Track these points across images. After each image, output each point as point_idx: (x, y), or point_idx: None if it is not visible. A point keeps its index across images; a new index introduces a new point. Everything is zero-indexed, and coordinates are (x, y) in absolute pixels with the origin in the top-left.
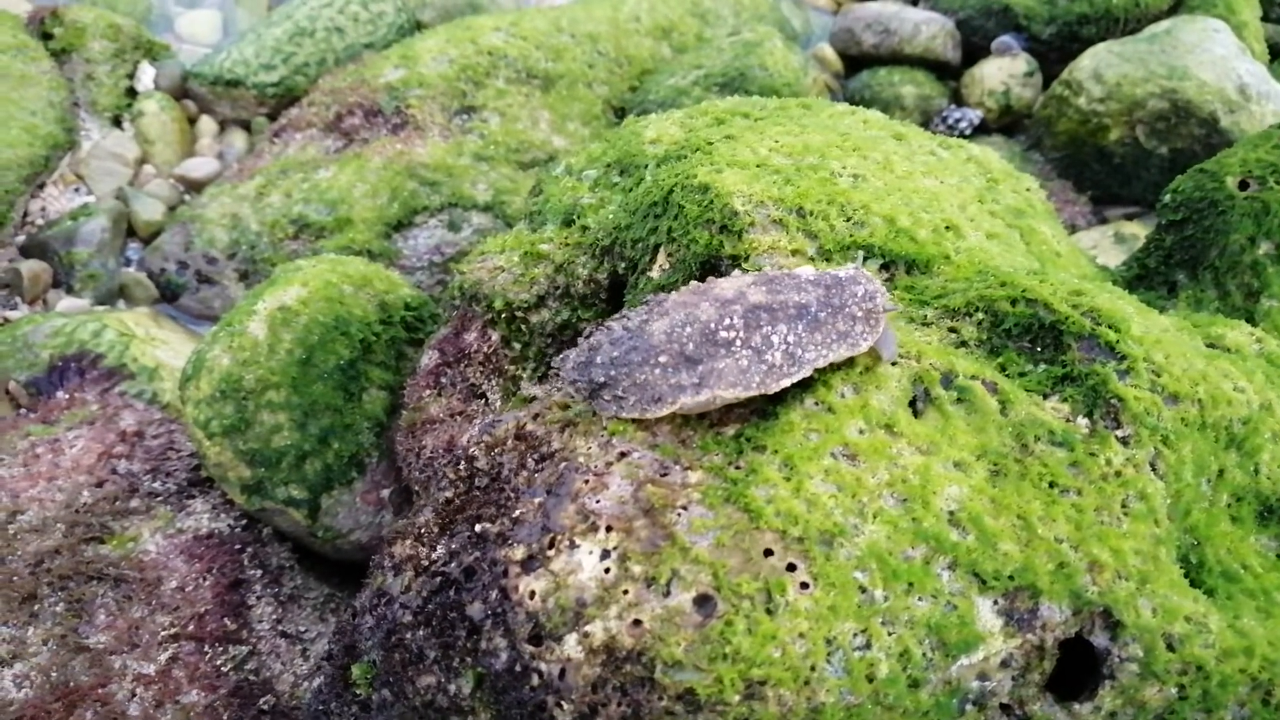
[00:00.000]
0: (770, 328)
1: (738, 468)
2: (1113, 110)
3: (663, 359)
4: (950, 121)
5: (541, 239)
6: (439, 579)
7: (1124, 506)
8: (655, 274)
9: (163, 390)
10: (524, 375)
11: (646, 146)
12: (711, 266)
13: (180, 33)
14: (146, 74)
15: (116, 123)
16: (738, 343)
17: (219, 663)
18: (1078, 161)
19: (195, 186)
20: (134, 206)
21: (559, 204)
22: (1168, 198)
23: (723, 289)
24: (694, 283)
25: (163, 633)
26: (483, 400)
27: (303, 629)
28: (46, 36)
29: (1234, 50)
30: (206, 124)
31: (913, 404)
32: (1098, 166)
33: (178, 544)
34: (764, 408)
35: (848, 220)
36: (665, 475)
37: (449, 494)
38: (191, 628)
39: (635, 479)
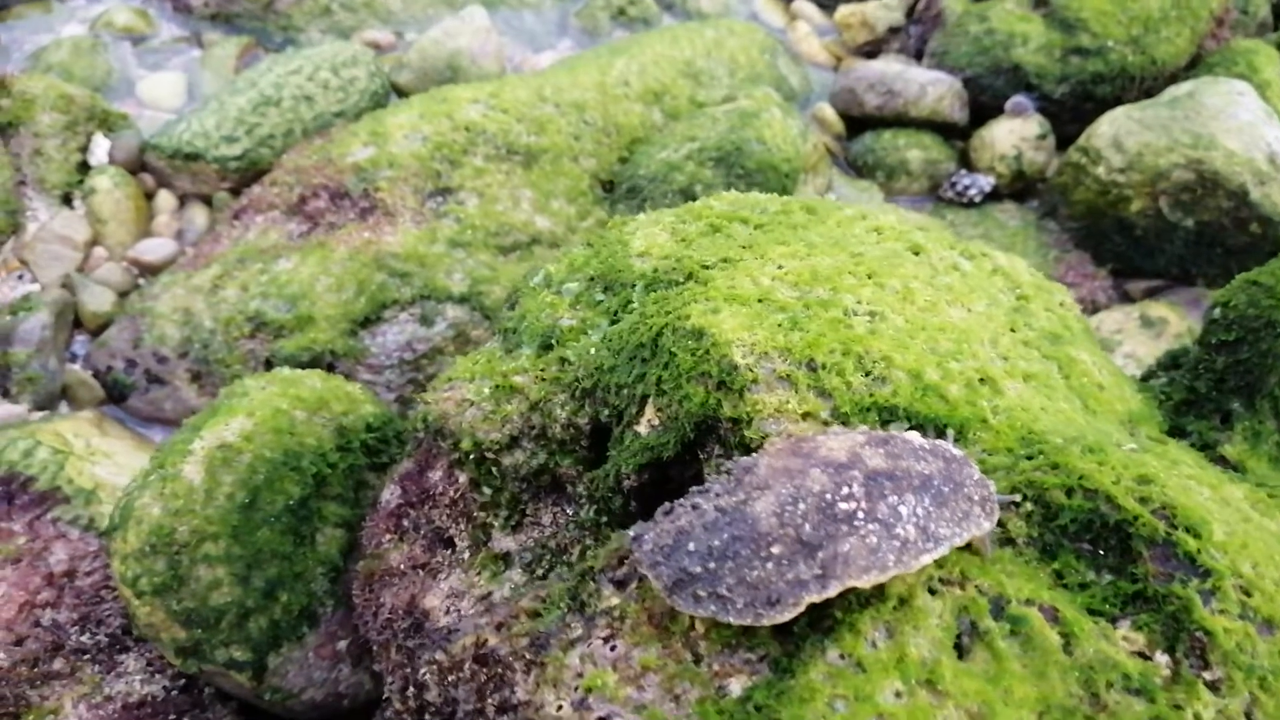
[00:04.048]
0: (896, 497)
1: None
2: (1134, 181)
3: (776, 550)
4: (959, 188)
5: (515, 369)
6: None
7: None
8: (644, 429)
9: (101, 515)
10: (495, 524)
11: (634, 260)
12: (709, 428)
13: (142, 97)
14: (100, 146)
15: (66, 201)
16: (860, 515)
17: None
18: (1096, 232)
19: (150, 270)
20: (81, 296)
21: (536, 324)
22: (1217, 313)
23: (831, 450)
24: (783, 441)
25: None
26: (449, 550)
27: None
28: None
29: (1261, 115)
30: (165, 199)
31: (958, 640)
32: (1118, 238)
33: (104, 716)
34: (777, 659)
35: (866, 375)
36: None
37: None
38: None
39: None
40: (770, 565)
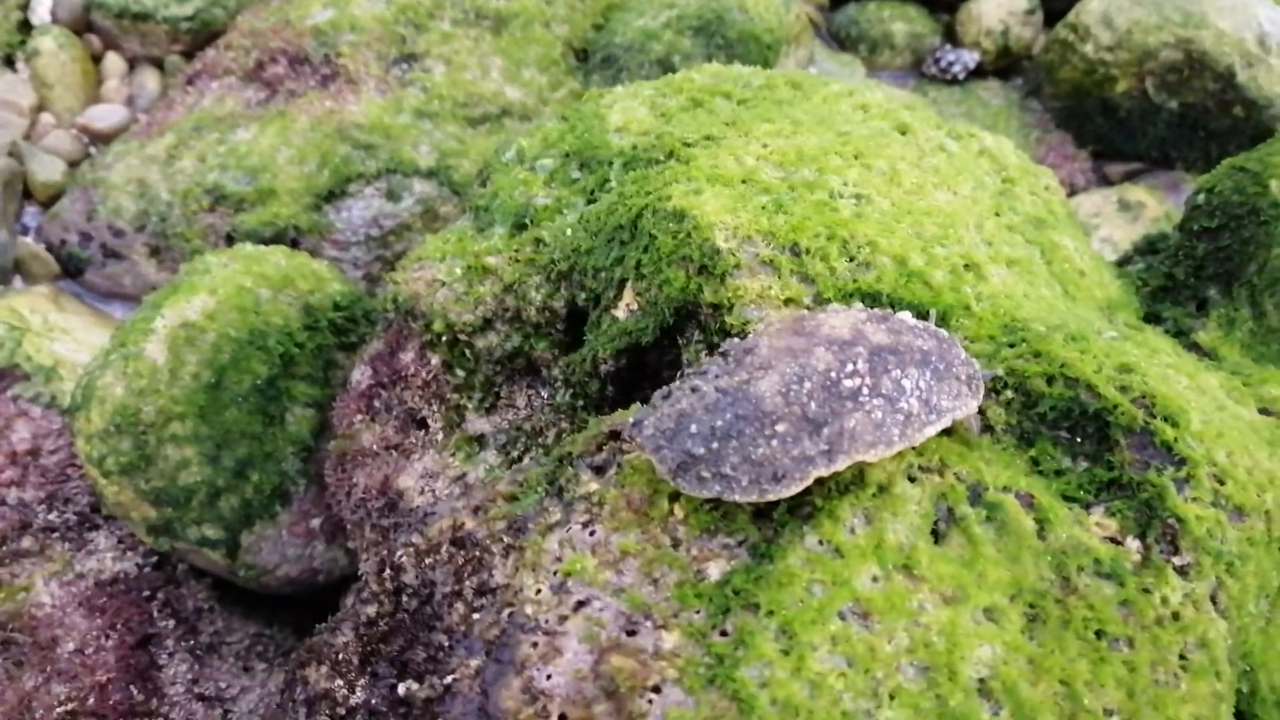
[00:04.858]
0: (899, 371)
1: (724, 633)
2: (1122, 60)
3: (780, 427)
4: (944, 64)
5: (488, 249)
6: None
7: (1182, 659)
8: (622, 314)
9: (62, 392)
10: (469, 405)
11: (611, 136)
12: (689, 314)
13: None
14: (42, 4)
15: (9, 63)
16: (865, 391)
17: None
18: (1079, 113)
19: (101, 138)
20: (30, 165)
21: (509, 202)
22: (1201, 199)
23: (834, 328)
24: (781, 320)
25: (59, 708)
26: (423, 431)
27: (224, 685)
28: None
29: None
30: (113, 62)
31: (935, 526)
32: (1101, 119)
33: (76, 593)
34: (756, 544)
35: (851, 260)
36: (633, 634)
37: (372, 611)
38: (92, 701)
39: (596, 643)
40: (775, 443)
